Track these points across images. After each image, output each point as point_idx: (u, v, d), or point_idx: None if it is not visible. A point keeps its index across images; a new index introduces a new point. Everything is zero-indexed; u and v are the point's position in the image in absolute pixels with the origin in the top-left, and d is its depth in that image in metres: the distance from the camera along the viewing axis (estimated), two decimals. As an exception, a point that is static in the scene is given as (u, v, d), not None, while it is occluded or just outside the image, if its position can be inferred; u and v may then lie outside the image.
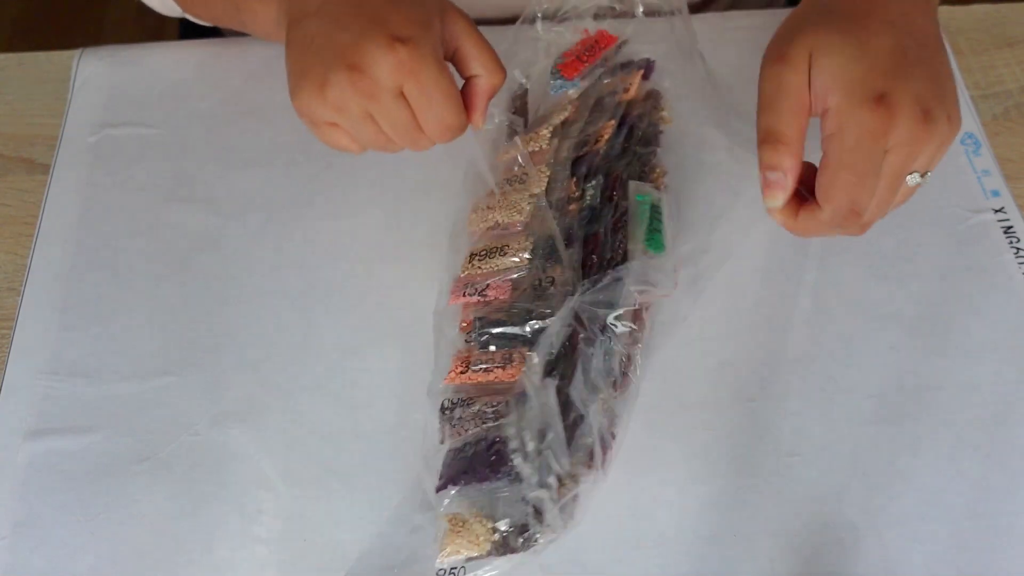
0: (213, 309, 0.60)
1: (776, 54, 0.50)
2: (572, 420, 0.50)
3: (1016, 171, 0.67)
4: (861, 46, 0.49)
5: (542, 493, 0.48)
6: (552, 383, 0.50)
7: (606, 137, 0.60)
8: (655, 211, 0.57)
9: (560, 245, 0.55)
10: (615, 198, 0.58)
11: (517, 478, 0.48)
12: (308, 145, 0.67)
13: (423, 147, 0.53)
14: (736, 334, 0.59)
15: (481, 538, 0.48)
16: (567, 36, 0.65)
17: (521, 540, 0.47)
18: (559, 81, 0.63)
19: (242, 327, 0.59)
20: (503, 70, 0.54)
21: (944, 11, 0.74)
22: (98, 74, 0.71)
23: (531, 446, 0.48)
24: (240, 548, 0.52)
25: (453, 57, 0.54)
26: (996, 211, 0.64)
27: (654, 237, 0.56)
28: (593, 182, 0.58)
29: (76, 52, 0.73)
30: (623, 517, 0.52)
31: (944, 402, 0.56)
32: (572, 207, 0.57)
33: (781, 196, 0.50)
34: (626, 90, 0.63)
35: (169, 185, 0.66)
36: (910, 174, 0.50)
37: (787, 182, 0.49)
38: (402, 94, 0.50)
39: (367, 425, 0.56)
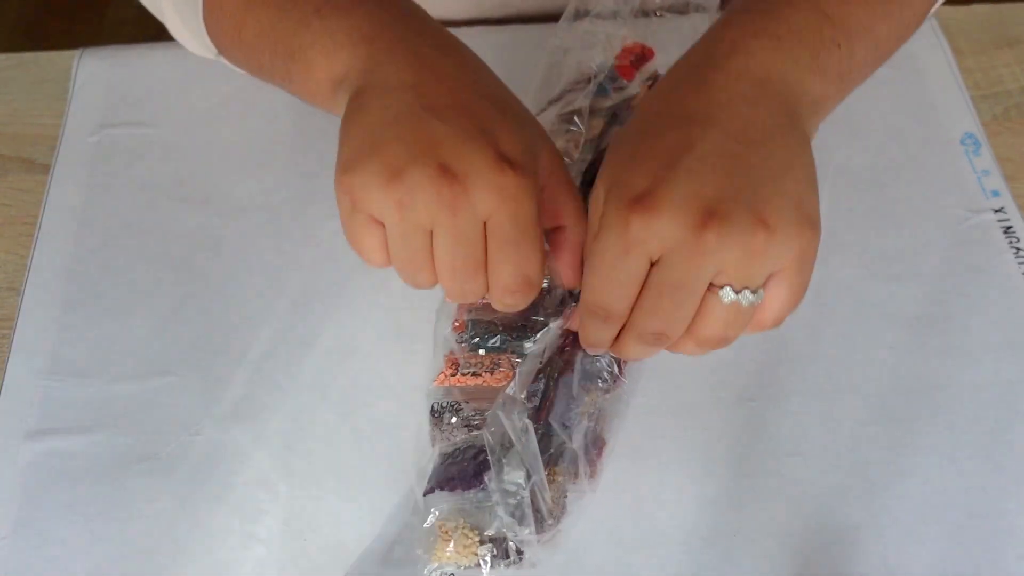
0: (213, 309, 0.60)
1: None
2: (556, 447, 0.50)
3: (1016, 171, 0.67)
4: (637, 149, 0.42)
5: (524, 534, 0.47)
6: (531, 426, 0.48)
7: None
8: None
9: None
10: None
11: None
12: (308, 145, 0.67)
13: (464, 298, 0.44)
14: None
15: (468, 549, 0.47)
16: (621, 31, 0.63)
17: (508, 556, 0.48)
18: (619, 81, 0.60)
19: (242, 327, 0.59)
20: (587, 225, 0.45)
21: (944, 11, 0.74)
22: (98, 74, 0.71)
23: (511, 477, 0.48)
24: (240, 548, 0.52)
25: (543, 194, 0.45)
26: (996, 211, 0.64)
27: None
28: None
29: (76, 52, 0.73)
30: (623, 517, 0.52)
31: (944, 402, 0.56)
32: None
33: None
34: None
35: (169, 185, 0.66)
36: (727, 289, 0.41)
37: (592, 338, 0.45)
38: (483, 224, 0.41)
39: (367, 425, 0.56)
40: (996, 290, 0.61)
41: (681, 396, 0.56)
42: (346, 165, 0.42)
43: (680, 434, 0.55)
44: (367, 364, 0.58)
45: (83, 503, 0.53)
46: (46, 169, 0.67)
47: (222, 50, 0.58)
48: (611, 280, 0.42)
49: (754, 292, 0.41)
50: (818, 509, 0.53)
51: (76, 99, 0.70)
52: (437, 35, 0.47)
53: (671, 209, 0.39)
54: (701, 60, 0.46)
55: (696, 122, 0.42)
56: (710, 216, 0.39)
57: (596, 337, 0.45)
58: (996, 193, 0.65)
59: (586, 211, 0.45)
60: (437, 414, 0.51)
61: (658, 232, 0.40)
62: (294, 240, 0.63)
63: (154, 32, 0.69)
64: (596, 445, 0.52)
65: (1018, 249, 0.62)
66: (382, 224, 0.42)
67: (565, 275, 0.47)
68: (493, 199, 0.40)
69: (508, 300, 0.44)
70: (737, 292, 0.41)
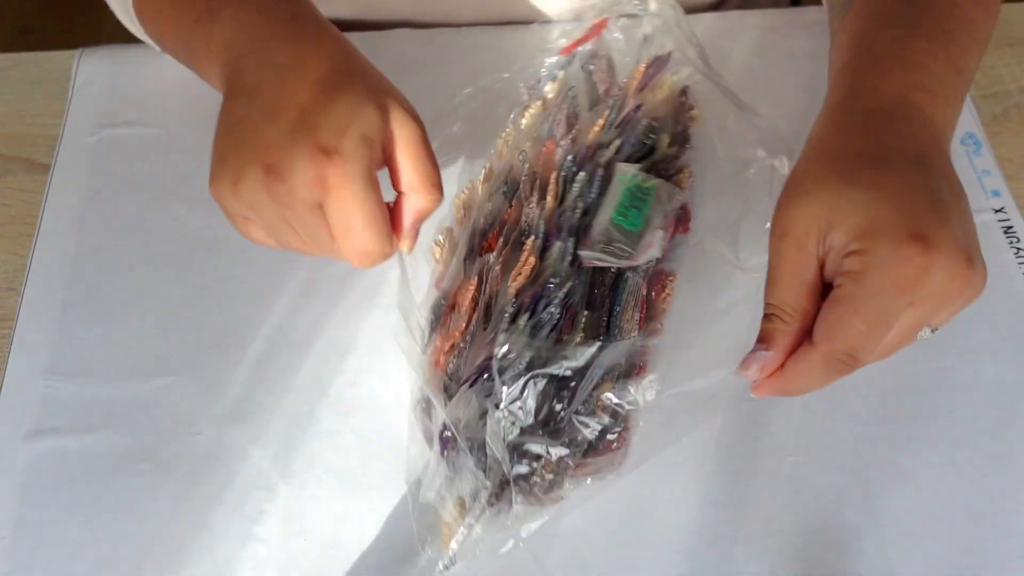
0: (213, 309, 0.60)
1: (780, 228, 0.44)
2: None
3: (1016, 171, 0.67)
4: (883, 189, 0.43)
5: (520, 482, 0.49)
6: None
7: (596, 130, 0.61)
8: (639, 191, 0.57)
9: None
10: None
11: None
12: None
13: (347, 260, 0.48)
14: (736, 334, 0.59)
15: (457, 521, 0.49)
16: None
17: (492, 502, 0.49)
18: (554, 59, 0.64)
19: (242, 327, 0.59)
20: (439, 192, 0.48)
21: (944, 11, 0.74)
22: (98, 74, 0.71)
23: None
24: (240, 548, 0.52)
25: (389, 164, 0.48)
26: (996, 211, 0.64)
27: (630, 213, 0.56)
28: (581, 174, 0.58)
29: (76, 52, 0.73)
30: (623, 517, 0.52)
31: (944, 402, 0.56)
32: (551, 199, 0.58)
33: (756, 371, 0.45)
34: (643, 89, 0.63)
35: (169, 185, 0.66)
36: (927, 330, 0.44)
37: (772, 361, 0.45)
38: (321, 208, 0.45)
39: (367, 425, 0.56)
40: (996, 290, 0.60)
41: (681, 396, 0.56)
42: (210, 176, 0.46)
43: (680, 434, 0.55)
44: (367, 364, 0.58)
45: (83, 503, 0.53)
46: (46, 169, 0.67)
47: (146, 30, 0.64)
48: (880, 324, 0.42)
49: (933, 330, 0.44)
50: (818, 509, 0.53)
51: (76, 99, 0.70)
52: (291, 27, 0.49)
53: (945, 253, 0.41)
54: (876, 106, 0.47)
55: (926, 168, 0.44)
56: (969, 264, 0.41)
57: (821, 383, 0.44)
58: (996, 193, 0.65)
59: (431, 180, 0.48)
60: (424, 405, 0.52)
61: (931, 275, 0.41)
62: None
63: (154, 32, 0.69)
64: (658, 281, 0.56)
65: (1018, 249, 0.62)
66: (252, 208, 0.46)
67: (398, 240, 0.50)
68: (316, 189, 0.44)
69: (360, 266, 0.47)
70: (933, 330, 0.44)
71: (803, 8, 0.79)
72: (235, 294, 0.61)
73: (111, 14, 0.66)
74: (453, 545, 0.49)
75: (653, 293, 0.56)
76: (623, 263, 0.54)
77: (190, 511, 0.53)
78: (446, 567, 0.49)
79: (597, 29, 0.65)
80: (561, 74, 0.64)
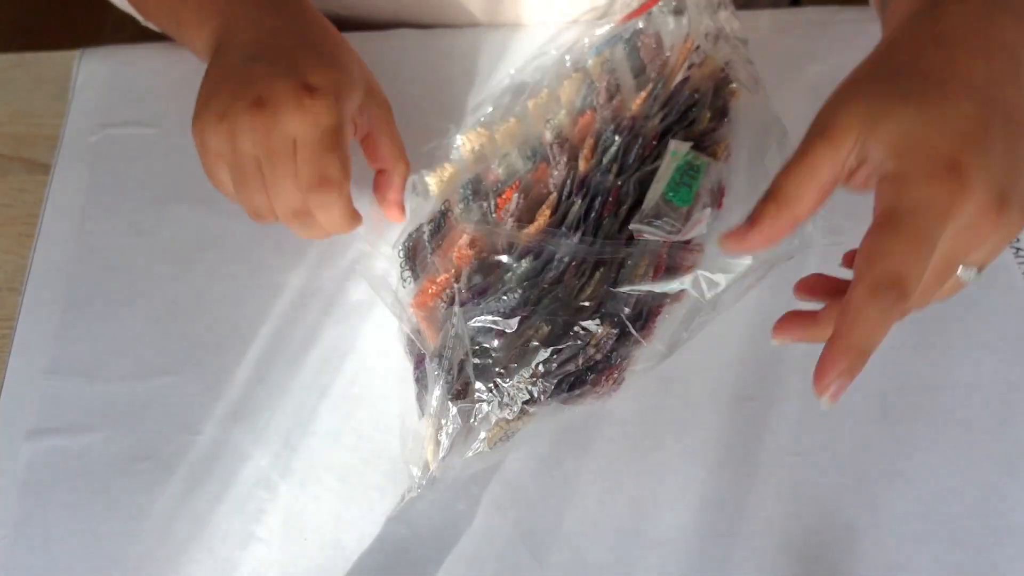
0: (213, 309, 0.60)
1: (818, 127, 0.43)
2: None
3: (1016, 171, 0.67)
4: (932, 110, 0.41)
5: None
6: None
7: (638, 103, 0.61)
8: (690, 168, 0.58)
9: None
10: (650, 156, 0.59)
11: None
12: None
13: (292, 213, 0.52)
14: (736, 334, 0.59)
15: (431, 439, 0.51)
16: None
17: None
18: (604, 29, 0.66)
19: (242, 326, 0.59)
20: (407, 163, 0.57)
21: (944, 11, 0.74)
22: (98, 74, 0.71)
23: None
24: (240, 548, 0.52)
25: (363, 142, 0.55)
26: (996, 211, 0.64)
27: (681, 190, 0.57)
28: (617, 139, 0.59)
29: (76, 52, 0.73)
30: (623, 517, 0.53)
31: (944, 402, 0.56)
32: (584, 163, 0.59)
33: (732, 242, 0.44)
34: (692, 66, 0.64)
35: (169, 185, 0.66)
36: (964, 266, 0.42)
37: (747, 236, 0.43)
38: (294, 151, 0.50)
39: (367, 425, 0.56)
40: (996, 290, 0.61)
41: (681, 396, 0.56)
42: (194, 115, 0.51)
43: (680, 434, 0.55)
44: (367, 364, 0.58)
45: (83, 503, 0.53)
46: (46, 169, 0.67)
47: (140, 14, 0.68)
48: (921, 243, 0.39)
49: (979, 270, 0.43)
50: (818, 509, 0.53)
51: (76, 99, 0.70)
52: (285, 1, 0.56)
53: (978, 186, 0.39)
54: (946, 30, 0.45)
55: (984, 97, 0.42)
56: (1002, 201, 0.40)
57: (872, 334, 0.40)
58: (996, 193, 0.65)
59: (404, 153, 0.57)
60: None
61: (964, 205, 0.39)
62: (294, 240, 0.63)
63: (154, 32, 0.69)
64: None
65: (1018, 249, 0.62)
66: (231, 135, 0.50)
67: (388, 212, 0.58)
68: (297, 117, 0.49)
69: (312, 200, 0.51)
70: (979, 270, 0.43)
71: (803, 8, 0.79)
72: (235, 294, 0.61)
73: (111, 14, 0.66)
74: (428, 457, 0.50)
75: (678, 258, 0.56)
76: (672, 237, 0.55)
77: (190, 511, 0.53)
78: (421, 483, 0.51)
79: (647, 5, 0.66)
80: (607, 51, 0.65)
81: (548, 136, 0.59)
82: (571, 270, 0.54)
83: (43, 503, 0.53)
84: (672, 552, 0.51)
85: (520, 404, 0.51)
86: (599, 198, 0.56)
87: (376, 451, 0.55)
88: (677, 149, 0.59)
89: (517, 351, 0.51)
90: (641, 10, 0.67)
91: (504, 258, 0.54)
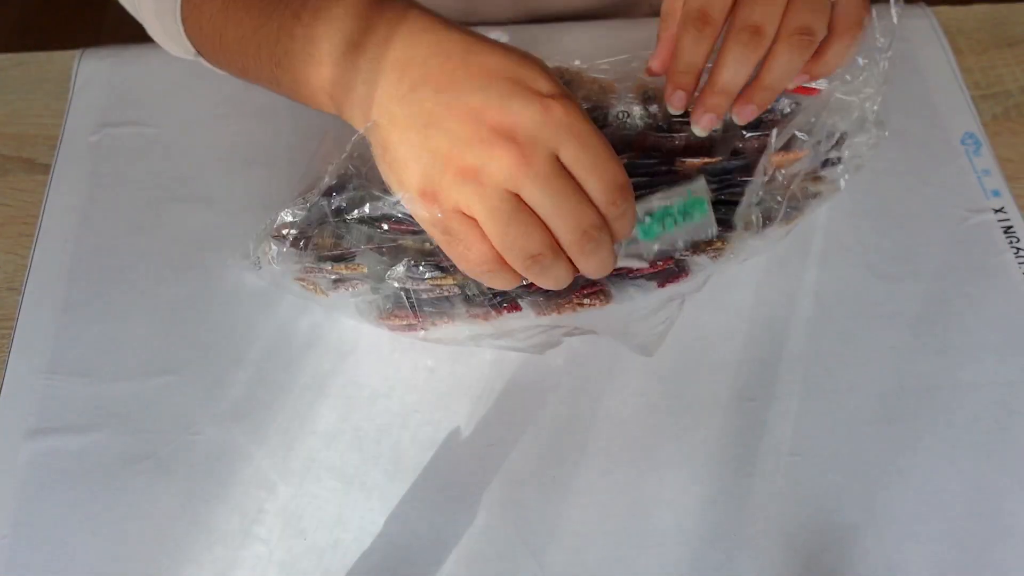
0: (213, 308, 0.60)
1: None
2: None
3: (1016, 171, 0.67)
4: None
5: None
6: None
7: (697, 164, 0.56)
8: (685, 211, 0.53)
9: None
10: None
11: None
12: (308, 145, 0.67)
13: (589, 235, 0.43)
14: (736, 334, 0.59)
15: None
16: None
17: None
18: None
19: (242, 327, 0.59)
20: None
21: (944, 11, 0.74)
22: (98, 74, 0.71)
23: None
24: (240, 548, 0.52)
25: None
26: (996, 211, 0.64)
27: (654, 225, 0.53)
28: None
29: (76, 52, 0.73)
30: (623, 517, 0.53)
31: (944, 402, 0.56)
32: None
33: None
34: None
35: (169, 185, 0.66)
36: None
37: (665, 49, 0.51)
38: (558, 159, 0.42)
39: (367, 425, 0.56)
40: (996, 290, 0.61)
41: (681, 396, 0.57)
42: (419, 183, 0.42)
43: (680, 434, 0.55)
44: (367, 364, 0.58)
45: (83, 503, 0.53)
46: (46, 169, 0.67)
47: (203, 54, 0.59)
48: None
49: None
50: (818, 509, 0.53)
51: (76, 99, 0.70)
52: (414, 12, 0.45)
53: None
54: None
55: None
56: None
57: (690, 54, 0.49)
58: (996, 193, 0.65)
59: None
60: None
61: None
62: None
63: (154, 32, 0.69)
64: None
65: (1018, 249, 0.62)
66: (473, 219, 0.42)
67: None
68: (554, 134, 0.41)
69: (613, 211, 0.43)
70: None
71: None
72: (235, 294, 0.61)
73: (111, 14, 0.66)
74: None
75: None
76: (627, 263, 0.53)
77: (190, 511, 0.53)
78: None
79: (805, 91, 0.57)
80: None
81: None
82: None
83: (43, 503, 0.53)
84: (672, 552, 0.51)
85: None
86: None
87: (376, 451, 0.55)
88: (697, 191, 0.53)
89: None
90: (796, 89, 0.56)
91: None
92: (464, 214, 0.43)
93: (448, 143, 0.41)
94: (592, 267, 0.44)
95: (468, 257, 0.44)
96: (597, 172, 0.42)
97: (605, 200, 0.43)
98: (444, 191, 0.42)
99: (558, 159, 0.42)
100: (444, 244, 0.44)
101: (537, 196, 0.42)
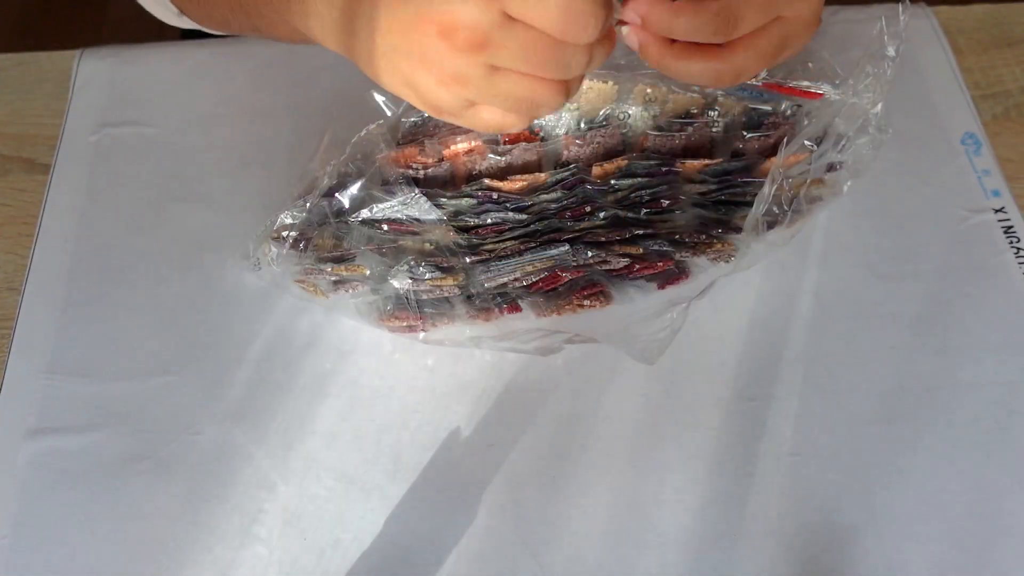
0: (213, 309, 0.60)
1: None
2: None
3: (1016, 171, 0.67)
4: None
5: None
6: None
7: (697, 165, 0.58)
8: None
9: None
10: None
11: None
12: (308, 145, 0.67)
13: (579, 63, 0.41)
14: (736, 334, 0.59)
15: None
16: None
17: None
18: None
19: (242, 326, 0.59)
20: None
21: (944, 11, 0.74)
22: (98, 74, 0.71)
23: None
24: (240, 548, 0.52)
25: None
26: (996, 211, 0.64)
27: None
28: (644, 180, 0.57)
29: (76, 52, 0.73)
30: (623, 517, 0.52)
31: (944, 402, 0.56)
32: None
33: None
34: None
35: (169, 185, 0.66)
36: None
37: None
38: (509, 18, 0.40)
39: (367, 425, 0.56)
40: (996, 290, 0.61)
41: (681, 396, 0.56)
42: (419, 98, 0.44)
43: (680, 434, 0.55)
44: (367, 364, 0.58)
45: (83, 503, 0.53)
46: (46, 169, 0.67)
47: (185, 11, 0.62)
48: None
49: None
50: (818, 509, 0.53)
51: (76, 99, 0.70)
52: None
53: None
54: None
55: None
56: None
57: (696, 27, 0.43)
58: (996, 193, 0.65)
59: None
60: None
61: None
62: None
63: (154, 32, 0.69)
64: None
65: (1018, 249, 0.62)
66: (462, 84, 0.42)
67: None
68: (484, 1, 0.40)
69: (585, 34, 0.41)
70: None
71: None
72: (235, 294, 0.61)
73: (111, 14, 0.66)
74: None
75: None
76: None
77: (190, 511, 0.53)
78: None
79: (805, 94, 0.57)
80: (730, 99, 0.58)
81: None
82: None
83: (43, 503, 0.53)
84: (672, 552, 0.51)
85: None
86: (581, 206, 0.55)
87: (376, 451, 0.55)
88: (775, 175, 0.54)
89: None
90: (798, 92, 0.57)
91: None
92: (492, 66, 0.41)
93: (401, 59, 0.42)
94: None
95: (515, 94, 0.42)
96: (549, 5, 0.40)
97: (576, 29, 0.40)
98: (427, 94, 0.43)
99: (509, 16, 0.40)
100: (473, 110, 0.44)
101: (508, 59, 0.41)
